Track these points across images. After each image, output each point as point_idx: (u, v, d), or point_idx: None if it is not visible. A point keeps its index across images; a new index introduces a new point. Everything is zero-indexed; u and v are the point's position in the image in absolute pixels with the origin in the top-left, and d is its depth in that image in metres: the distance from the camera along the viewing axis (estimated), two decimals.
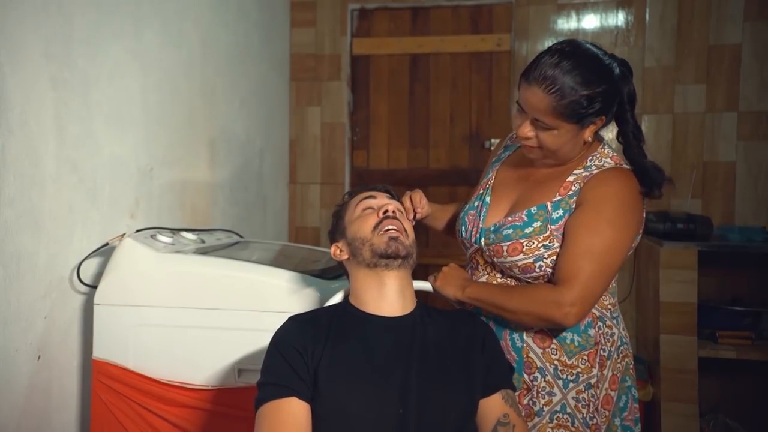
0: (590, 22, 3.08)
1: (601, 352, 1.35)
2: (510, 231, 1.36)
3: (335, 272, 1.68)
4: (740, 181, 2.91)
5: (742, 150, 2.91)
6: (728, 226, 2.82)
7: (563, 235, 1.32)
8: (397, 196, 1.44)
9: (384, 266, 1.25)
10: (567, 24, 3.11)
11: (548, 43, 3.11)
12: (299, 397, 1.15)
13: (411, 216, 1.50)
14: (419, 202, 1.54)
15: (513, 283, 1.39)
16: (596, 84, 1.27)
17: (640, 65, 3.00)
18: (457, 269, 1.46)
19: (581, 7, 3.09)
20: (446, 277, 1.45)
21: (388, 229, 1.27)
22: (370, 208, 1.33)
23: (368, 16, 3.30)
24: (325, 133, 3.35)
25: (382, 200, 1.35)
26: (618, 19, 3.05)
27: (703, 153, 2.95)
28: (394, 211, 1.31)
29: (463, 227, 1.49)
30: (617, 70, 1.32)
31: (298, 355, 1.18)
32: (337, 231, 1.38)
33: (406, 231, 1.30)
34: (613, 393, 1.36)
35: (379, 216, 1.29)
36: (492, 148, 2.93)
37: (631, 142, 1.36)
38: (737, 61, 2.91)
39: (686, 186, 2.89)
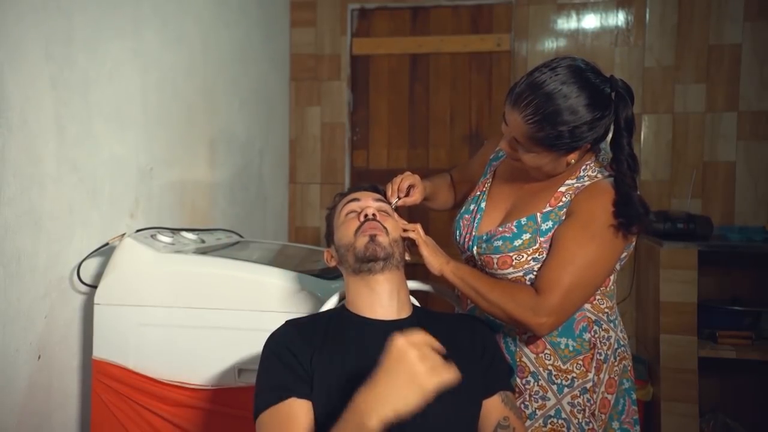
0: (590, 21, 3.08)
1: (598, 356, 1.34)
2: (500, 243, 1.34)
3: (335, 272, 1.67)
4: (740, 181, 2.91)
5: (742, 150, 2.91)
6: (728, 226, 2.82)
7: (549, 244, 1.30)
8: (384, 193, 1.41)
9: (367, 271, 1.24)
10: (567, 24, 3.10)
11: (548, 42, 3.11)
12: (298, 396, 1.12)
13: (393, 201, 1.42)
14: (404, 189, 1.45)
15: None
16: (581, 117, 1.22)
17: (640, 65, 3.00)
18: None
19: (581, 7, 3.09)
20: (435, 248, 1.36)
21: (367, 232, 1.25)
22: (353, 211, 1.31)
23: (368, 16, 3.30)
24: (325, 133, 3.35)
25: (365, 202, 1.32)
26: (618, 18, 3.05)
27: (703, 153, 2.95)
28: (374, 214, 1.28)
29: (457, 231, 1.48)
30: (613, 96, 1.25)
31: (292, 355, 1.16)
32: (328, 236, 1.37)
33: (386, 230, 1.27)
34: (610, 396, 1.35)
35: (360, 220, 1.28)
36: None
37: (624, 171, 1.27)
38: (737, 61, 2.91)
39: (686, 186, 2.89)
